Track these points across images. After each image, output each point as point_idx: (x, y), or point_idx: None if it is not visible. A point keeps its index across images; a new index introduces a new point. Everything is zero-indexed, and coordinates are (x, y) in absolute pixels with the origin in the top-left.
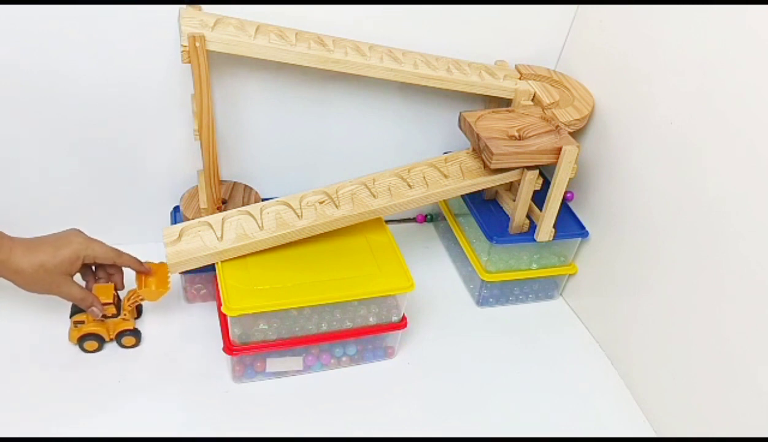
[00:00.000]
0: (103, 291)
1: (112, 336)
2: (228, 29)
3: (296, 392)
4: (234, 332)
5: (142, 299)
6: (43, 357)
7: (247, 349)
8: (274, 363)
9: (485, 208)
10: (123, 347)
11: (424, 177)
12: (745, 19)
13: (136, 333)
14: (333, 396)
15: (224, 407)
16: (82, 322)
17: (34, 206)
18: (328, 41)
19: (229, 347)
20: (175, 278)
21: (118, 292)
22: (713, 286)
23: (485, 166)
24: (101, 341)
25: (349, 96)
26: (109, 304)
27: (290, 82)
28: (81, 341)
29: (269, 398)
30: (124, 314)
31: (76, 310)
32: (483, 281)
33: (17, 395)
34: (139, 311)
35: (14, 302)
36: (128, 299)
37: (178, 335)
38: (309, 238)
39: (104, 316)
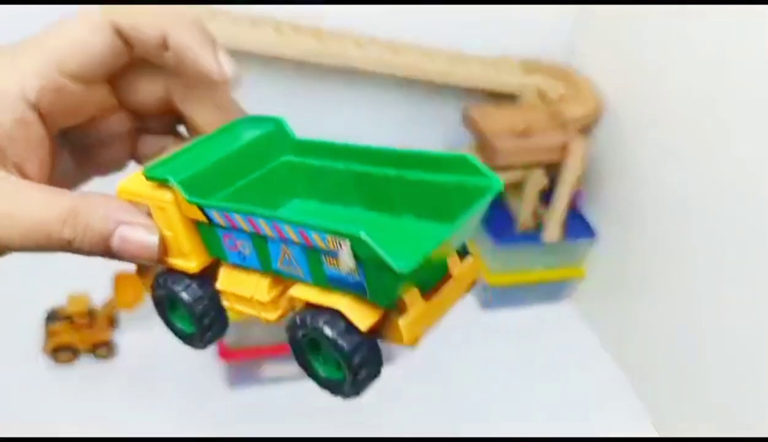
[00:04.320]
0: (77, 301)
1: (87, 347)
2: (223, 23)
3: (293, 397)
4: (229, 337)
5: (117, 310)
6: (37, 355)
7: (242, 353)
8: (270, 368)
9: (490, 208)
10: (98, 358)
11: None
12: (762, 14)
13: (111, 344)
14: (331, 401)
15: (219, 414)
16: (56, 333)
17: None
18: (325, 35)
19: (224, 352)
20: None
21: (93, 303)
22: (729, 288)
23: (489, 163)
24: (75, 352)
25: (347, 91)
26: (83, 314)
27: (287, 77)
28: (54, 352)
29: (266, 404)
30: (99, 325)
31: (50, 320)
32: (487, 283)
33: (14, 393)
34: (115, 322)
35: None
36: (104, 309)
37: (172, 339)
38: None
39: (78, 326)
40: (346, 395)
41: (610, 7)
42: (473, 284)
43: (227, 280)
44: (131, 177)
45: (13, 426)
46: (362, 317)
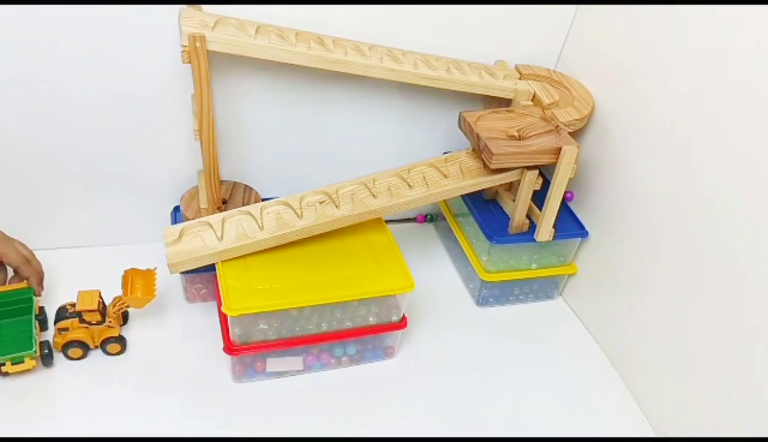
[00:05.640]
0: (88, 298)
1: (97, 343)
2: (228, 29)
3: (296, 392)
4: (234, 332)
5: (127, 306)
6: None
7: (247, 349)
8: (274, 363)
9: (485, 208)
10: (108, 354)
11: (424, 177)
12: (745, 18)
13: (121, 340)
14: (333, 396)
15: (224, 407)
16: (67, 329)
17: (35, 206)
18: (328, 41)
19: (230, 347)
20: (175, 278)
21: (103, 298)
22: (712, 285)
23: (485, 166)
24: (86, 349)
25: (349, 96)
26: (94, 311)
27: (290, 83)
28: (65, 348)
29: (269, 398)
30: (109, 321)
31: (60, 317)
32: (483, 280)
33: (24, 388)
34: (125, 318)
35: None
36: (113, 306)
37: (179, 335)
38: (309, 238)
39: (89, 323)
40: None
41: (600, 14)
42: None
43: None
44: None
45: (23, 421)
46: None
